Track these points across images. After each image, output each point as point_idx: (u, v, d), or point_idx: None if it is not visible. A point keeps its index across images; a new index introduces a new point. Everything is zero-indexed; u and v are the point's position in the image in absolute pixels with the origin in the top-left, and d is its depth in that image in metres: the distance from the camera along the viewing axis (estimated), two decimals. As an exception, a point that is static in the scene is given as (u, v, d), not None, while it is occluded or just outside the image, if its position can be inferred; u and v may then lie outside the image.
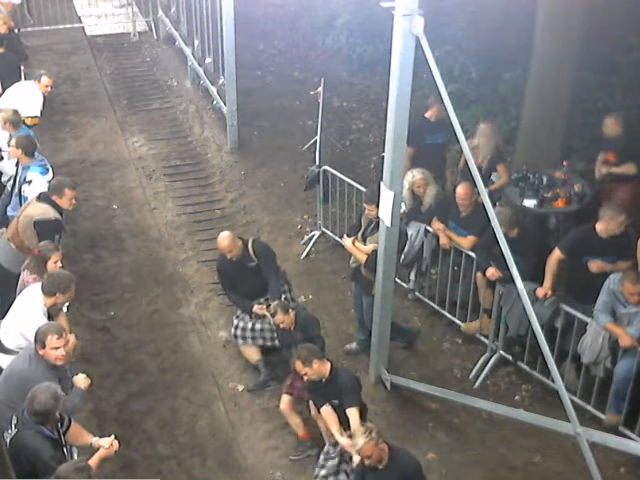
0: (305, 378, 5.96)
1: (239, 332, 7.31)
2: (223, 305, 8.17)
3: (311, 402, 6.35)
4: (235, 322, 7.37)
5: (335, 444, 5.99)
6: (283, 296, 7.23)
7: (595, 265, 6.71)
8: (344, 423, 5.90)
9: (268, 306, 6.91)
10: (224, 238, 7.18)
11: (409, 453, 5.56)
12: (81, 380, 5.66)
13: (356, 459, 5.38)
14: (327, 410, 5.96)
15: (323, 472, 6.00)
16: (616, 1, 9.13)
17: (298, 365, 5.91)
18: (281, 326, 6.60)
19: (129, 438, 6.62)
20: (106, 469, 5.98)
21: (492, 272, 6.98)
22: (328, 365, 5.98)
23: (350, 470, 5.82)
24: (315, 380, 5.95)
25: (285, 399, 6.62)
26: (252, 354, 7.34)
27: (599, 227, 6.69)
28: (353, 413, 5.80)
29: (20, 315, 6.08)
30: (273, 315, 6.58)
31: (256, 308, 7.18)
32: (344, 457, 5.95)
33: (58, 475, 4.67)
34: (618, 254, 6.70)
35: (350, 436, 5.58)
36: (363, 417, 5.94)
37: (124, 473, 6.32)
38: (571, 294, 6.90)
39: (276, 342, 7.15)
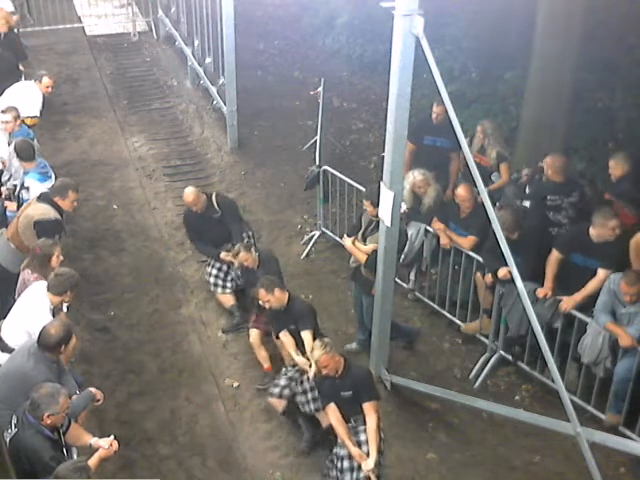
0: (267, 306, 6.61)
1: (213, 280, 8.05)
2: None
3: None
4: (208, 270, 8.10)
5: (293, 365, 6.65)
6: (246, 240, 7.92)
7: (568, 305, 6.69)
8: (301, 346, 6.57)
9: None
10: (189, 193, 7.97)
11: (361, 365, 6.49)
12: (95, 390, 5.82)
13: (312, 372, 6.19)
14: (285, 335, 6.68)
15: (282, 382, 6.61)
16: (616, 1, 9.13)
17: (261, 293, 6.56)
18: (245, 264, 7.25)
19: (129, 438, 6.62)
20: (106, 469, 5.98)
21: (505, 272, 6.77)
22: (287, 294, 6.65)
23: (305, 382, 6.48)
24: (276, 308, 6.62)
25: (254, 333, 7.27)
26: (227, 300, 8.04)
27: (592, 232, 6.70)
28: (307, 335, 6.51)
29: (25, 313, 6.08)
30: (237, 254, 7.21)
31: (222, 255, 7.86)
32: (300, 374, 6.58)
33: (57, 475, 4.67)
34: (603, 260, 6.68)
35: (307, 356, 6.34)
36: (316, 339, 6.46)
37: (124, 473, 6.32)
38: (559, 287, 6.90)
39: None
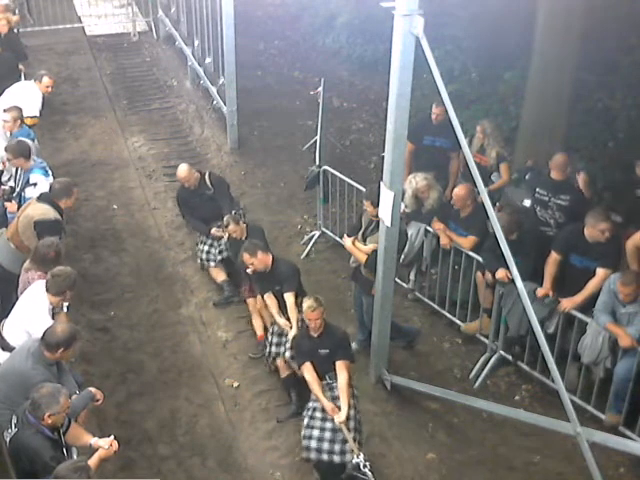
0: (251, 269, 6.88)
1: (205, 255, 8.37)
2: (223, 305, 8.21)
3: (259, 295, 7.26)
4: (200, 247, 8.44)
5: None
6: (235, 213, 8.14)
7: (567, 305, 6.69)
8: (284, 309, 6.86)
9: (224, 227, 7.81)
10: (182, 170, 8.38)
11: (338, 326, 6.60)
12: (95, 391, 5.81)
13: (291, 333, 6.59)
14: (269, 296, 6.95)
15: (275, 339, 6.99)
16: (616, 1, 9.14)
17: (245, 257, 6.84)
18: (233, 235, 7.57)
19: (129, 438, 6.62)
20: (106, 469, 5.98)
21: (503, 274, 6.86)
22: (270, 256, 6.91)
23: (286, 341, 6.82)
24: (260, 271, 6.89)
25: (252, 302, 7.55)
26: (218, 275, 8.33)
27: (585, 231, 6.72)
28: (290, 297, 6.80)
29: (25, 313, 6.08)
30: (226, 226, 7.57)
31: (213, 231, 8.20)
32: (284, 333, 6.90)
33: (57, 475, 4.67)
34: (599, 259, 6.69)
35: (287, 319, 6.77)
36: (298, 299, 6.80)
37: (124, 473, 6.33)
38: (560, 289, 6.89)
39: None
